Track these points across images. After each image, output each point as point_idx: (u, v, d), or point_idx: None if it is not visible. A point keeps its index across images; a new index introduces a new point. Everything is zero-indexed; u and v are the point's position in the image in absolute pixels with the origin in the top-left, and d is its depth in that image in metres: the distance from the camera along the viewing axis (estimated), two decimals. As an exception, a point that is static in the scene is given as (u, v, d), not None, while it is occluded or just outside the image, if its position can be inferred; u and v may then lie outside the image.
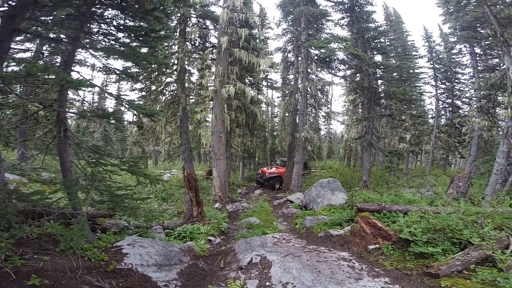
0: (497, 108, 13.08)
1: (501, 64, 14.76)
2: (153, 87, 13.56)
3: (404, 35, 23.48)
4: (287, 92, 18.88)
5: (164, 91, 13.08)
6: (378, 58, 16.00)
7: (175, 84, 13.15)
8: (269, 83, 20.72)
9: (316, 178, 14.52)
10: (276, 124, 21.83)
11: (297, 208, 9.37)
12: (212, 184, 11.47)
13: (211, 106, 11.74)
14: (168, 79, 13.46)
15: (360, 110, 19.91)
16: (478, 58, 16.82)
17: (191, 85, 13.32)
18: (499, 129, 14.54)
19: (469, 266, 3.79)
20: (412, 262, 4.13)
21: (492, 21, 8.70)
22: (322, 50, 12.34)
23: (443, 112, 20.57)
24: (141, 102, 12.59)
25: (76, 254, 3.31)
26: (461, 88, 20.36)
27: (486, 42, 14.64)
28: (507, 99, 8.99)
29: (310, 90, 13.20)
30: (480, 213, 5.02)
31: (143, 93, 13.26)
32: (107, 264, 3.33)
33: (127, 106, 4.83)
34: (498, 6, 8.90)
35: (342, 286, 3.30)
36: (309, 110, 13.68)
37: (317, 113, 14.01)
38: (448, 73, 20.35)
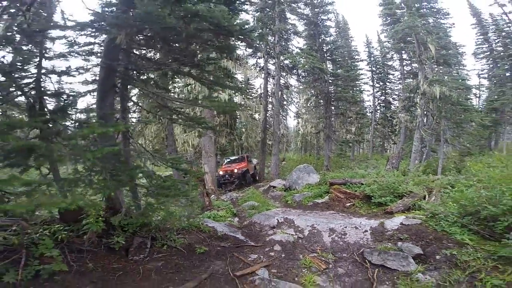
0: (415, 107, 17.75)
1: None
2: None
3: (349, 40, 27.75)
4: (253, 94, 21.14)
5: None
6: (329, 65, 19.53)
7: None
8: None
9: (285, 167, 17.20)
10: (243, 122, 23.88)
11: (282, 190, 11.66)
12: (204, 179, 12.99)
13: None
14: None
15: (313, 109, 23.51)
16: (404, 63, 21.79)
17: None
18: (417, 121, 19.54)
19: (407, 207, 6.54)
20: (375, 208, 6.82)
21: (415, 43, 12.34)
22: (290, 60, 14.98)
23: (378, 108, 25.76)
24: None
25: (193, 229, 4.89)
26: (391, 87, 25.77)
27: (411, 52, 19.17)
28: (419, 101, 12.96)
29: (281, 95, 15.76)
30: (405, 177, 8.09)
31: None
32: (214, 233, 5.06)
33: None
34: (420, 33, 12.56)
35: (345, 221, 5.69)
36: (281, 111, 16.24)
37: (287, 113, 16.60)
38: (382, 74, 25.43)
